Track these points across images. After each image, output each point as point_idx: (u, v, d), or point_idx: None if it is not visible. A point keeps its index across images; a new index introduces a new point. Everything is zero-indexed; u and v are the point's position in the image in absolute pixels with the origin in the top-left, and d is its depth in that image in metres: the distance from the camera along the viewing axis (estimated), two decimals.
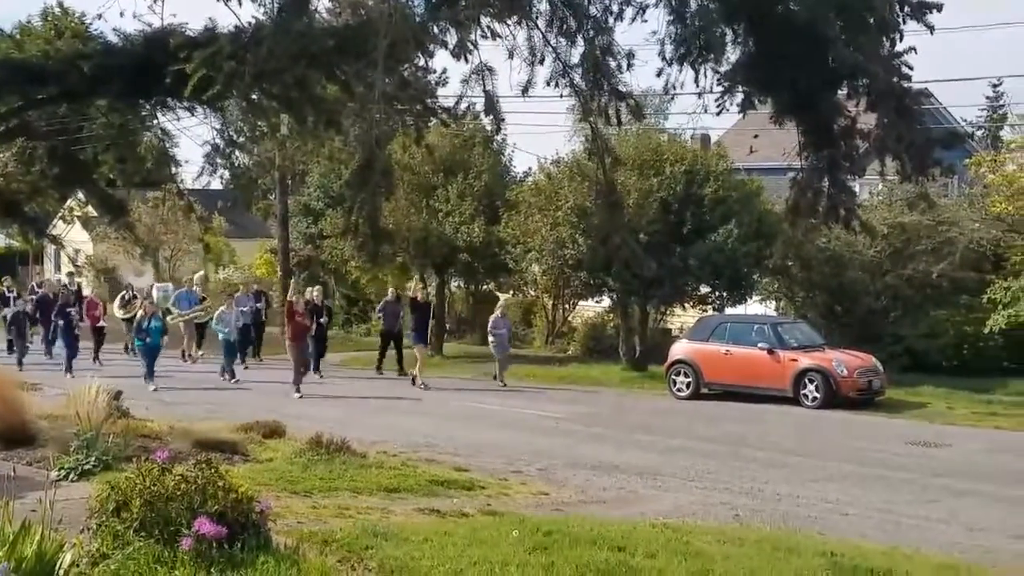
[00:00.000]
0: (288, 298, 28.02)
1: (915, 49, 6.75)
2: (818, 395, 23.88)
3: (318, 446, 14.79)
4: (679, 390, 25.55)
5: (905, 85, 6.52)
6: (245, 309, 29.03)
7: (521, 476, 15.35)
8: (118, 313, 30.68)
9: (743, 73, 6.44)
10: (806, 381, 24.13)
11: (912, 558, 10.99)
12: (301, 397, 23.10)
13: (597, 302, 33.06)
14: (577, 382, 26.78)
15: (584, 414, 22.19)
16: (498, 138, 34.79)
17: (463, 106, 6.60)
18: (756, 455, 17.96)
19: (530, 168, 41.34)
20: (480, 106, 6.98)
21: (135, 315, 31.16)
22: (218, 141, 7.54)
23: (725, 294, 29.73)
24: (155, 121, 7.38)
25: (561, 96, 6.71)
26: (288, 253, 39.07)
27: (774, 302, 31.69)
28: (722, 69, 6.60)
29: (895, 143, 6.62)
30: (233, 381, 25.58)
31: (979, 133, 47.64)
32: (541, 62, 6.56)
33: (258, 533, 8.60)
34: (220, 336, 26.65)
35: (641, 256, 27.14)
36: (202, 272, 33.43)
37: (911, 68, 6.60)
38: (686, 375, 25.63)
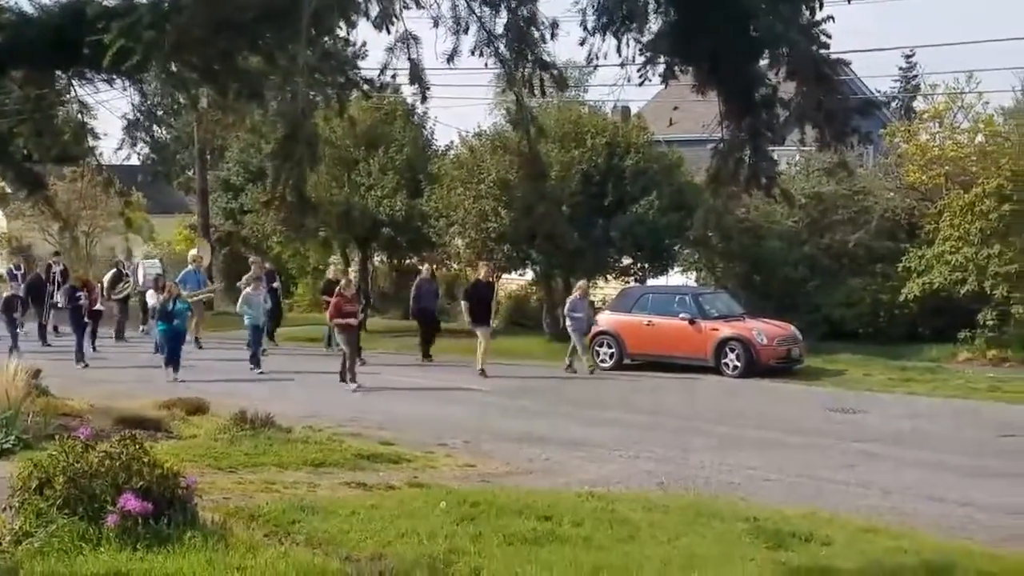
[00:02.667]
0: (330, 279, 26.86)
1: (833, 18, 6.84)
2: (739, 364, 24.19)
3: (243, 422, 14.73)
4: (602, 361, 25.72)
5: (824, 54, 6.60)
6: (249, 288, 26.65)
7: (447, 449, 15.40)
8: (109, 295, 28.59)
9: (665, 43, 6.48)
10: (727, 350, 24.43)
11: (832, 521, 11.22)
12: (358, 389, 21.21)
13: (520, 275, 33.13)
14: (501, 355, 26.84)
15: (509, 387, 22.27)
16: (419, 111, 34.72)
17: (388, 76, 6.57)
18: (679, 424, 18.17)
19: (452, 141, 41.15)
20: (402, 78, 6.97)
21: (127, 295, 29.52)
22: (138, 114, 7.43)
23: (647, 265, 29.95)
24: (73, 93, 7.25)
25: (486, 66, 6.72)
26: (208, 229, 38.65)
27: (695, 273, 31.99)
28: (644, 39, 6.63)
29: (814, 111, 6.70)
30: (258, 372, 23.25)
31: (893, 103, 48.34)
32: (466, 31, 6.55)
33: (184, 509, 8.58)
34: (247, 320, 24.05)
35: (565, 225, 27.31)
36: (195, 250, 31.62)
37: (829, 37, 6.68)
38: (609, 346, 25.82)
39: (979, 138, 29.24)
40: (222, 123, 37.07)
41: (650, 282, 30.07)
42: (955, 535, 11.14)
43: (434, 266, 31.12)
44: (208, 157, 40.28)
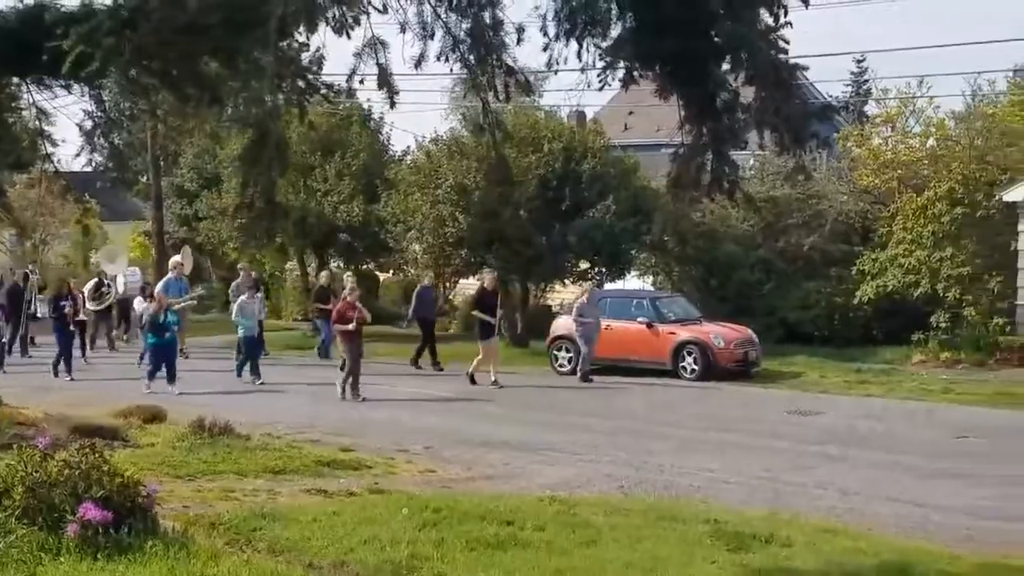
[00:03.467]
0: (323, 286, 26.75)
1: (791, 23, 6.91)
2: (696, 367, 24.32)
3: (200, 430, 14.64)
4: (561, 366, 25.75)
5: (782, 59, 6.68)
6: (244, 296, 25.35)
7: (408, 455, 15.36)
8: (90, 304, 27.40)
9: (627, 48, 6.52)
10: (684, 354, 24.54)
11: (791, 522, 11.30)
12: (364, 399, 20.56)
13: (478, 280, 33.12)
14: (460, 360, 26.80)
15: (468, 392, 22.26)
16: (376, 116, 34.71)
17: (356, 81, 6.57)
18: (638, 428, 18.23)
19: (408, 147, 41.08)
20: (369, 83, 6.96)
21: (109, 305, 28.38)
22: (95, 120, 7.38)
23: (604, 270, 30.04)
24: (31, 100, 7.19)
25: (451, 71, 6.72)
26: (163, 235, 38.42)
27: (652, 277, 32.13)
28: (605, 44, 6.67)
29: (773, 116, 6.78)
30: (259, 383, 22.34)
31: (846, 109, 48.73)
32: (432, 37, 6.57)
33: (145, 517, 8.52)
34: (241, 331, 23.09)
35: (529, 228, 27.22)
36: (177, 257, 30.25)
37: (787, 42, 6.76)
38: (567, 351, 25.83)
39: (931, 142, 29.61)
40: (178, 129, 36.83)
41: (607, 286, 30.15)
42: (913, 535, 11.25)
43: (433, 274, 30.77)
44: (162, 163, 40.02)
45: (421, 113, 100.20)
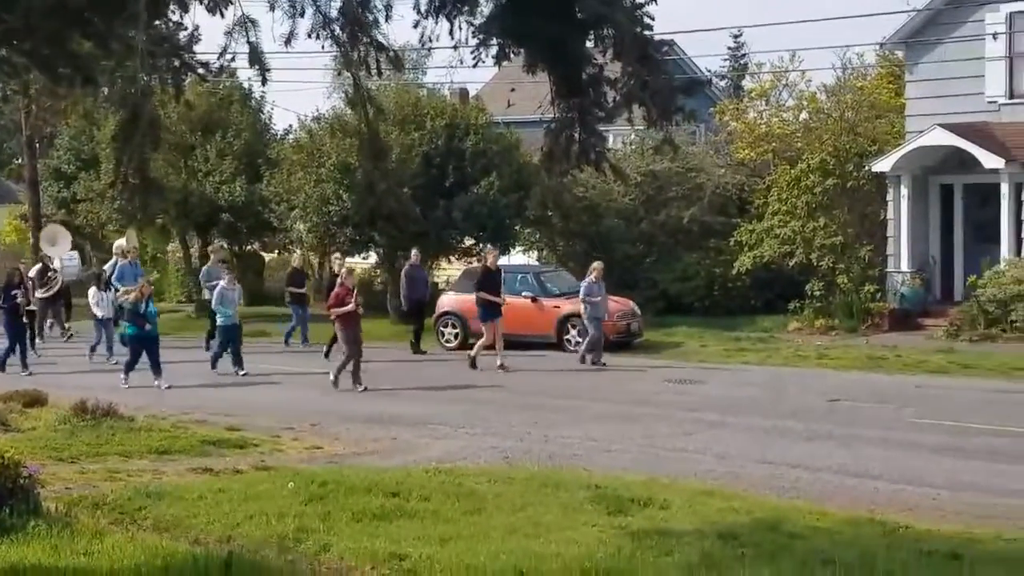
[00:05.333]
0: (297, 268, 26.19)
1: (656, 0, 7.14)
2: (581, 340, 24.66)
3: (83, 412, 14.53)
4: (447, 341, 25.92)
5: (648, 35, 6.90)
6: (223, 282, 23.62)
7: (294, 432, 15.43)
8: (38, 292, 25.40)
9: (497, 25, 6.68)
10: (569, 327, 24.88)
11: (670, 486, 11.65)
12: (365, 389, 19.37)
13: (364, 258, 33.13)
14: (369, 339, 26.80)
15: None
16: (256, 95, 34.41)
17: (227, 58, 6.63)
18: (523, 400, 18.49)
19: (291, 125, 40.79)
20: (241, 61, 7.03)
21: (55, 293, 26.44)
22: None
23: (489, 245, 30.23)
24: None
25: (323, 48, 6.83)
26: (40, 219, 37.61)
27: (536, 252, 32.45)
28: (476, 21, 6.83)
29: (640, 91, 7.00)
30: (241, 373, 21.11)
31: (723, 82, 49.63)
32: (302, 14, 6.65)
33: (27, 498, 8.52)
34: (220, 319, 21.71)
35: (407, 203, 27.15)
36: (121, 241, 29.00)
37: (653, 18, 6.99)
38: (454, 326, 26.02)
39: (803, 115, 30.37)
40: (51, 110, 36.10)
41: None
42: (785, 495, 11.68)
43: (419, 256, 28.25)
44: (37, 145, 39.16)
45: (304, 92, 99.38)
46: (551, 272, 27.81)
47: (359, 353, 19.78)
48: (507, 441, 14.82)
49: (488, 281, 22.91)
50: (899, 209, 26.95)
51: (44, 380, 19.20)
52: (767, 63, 33.36)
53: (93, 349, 22.95)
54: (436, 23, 6.68)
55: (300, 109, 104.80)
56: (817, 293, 27.19)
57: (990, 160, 25.09)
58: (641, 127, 8.66)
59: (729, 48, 60.32)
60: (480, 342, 22.57)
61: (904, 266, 26.80)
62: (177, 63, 6.89)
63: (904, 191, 26.76)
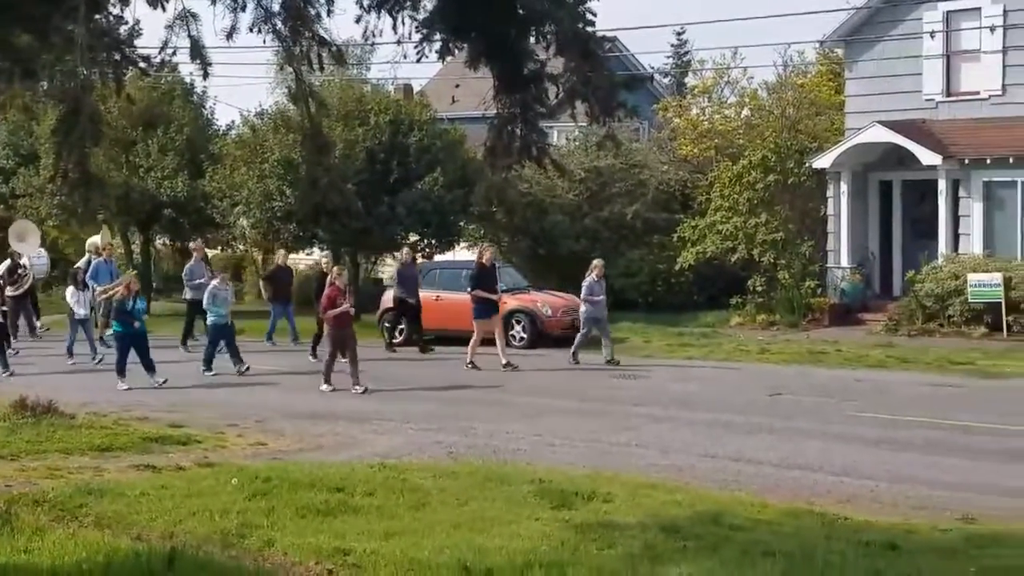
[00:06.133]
0: (280, 265, 25.78)
1: None
2: (525, 335, 24.78)
3: (23, 409, 14.38)
4: (394, 338, 25.88)
5: (590, 31, 6.95)
6: (202, 281, 23.59)
7: (238, 429, 15.37)
8: (9, 290, 24.21)
9: (439, 19, 6.71)
10: (513, 322, 24.94)
11: (614, 480, 11.73)
12: (333, 390, 18.94)
13: (308, 254, 33.01)
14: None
15: (300, 366, 22.23)
16: (199, 90, 34.16)
17: (169, 52, 6.60)
18: (468, 396, 18.54)
19: (233, 121, 40.42)
20: (182, 55, 7.00)
21: (26, 290, 25.91)
22: None
23: (434, 241, 30.25)
24: None
25: (265, 43, 6.82)
26: None
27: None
28: (419, 16, 6.86)
29: (582, 86, 7.06)
30: (211, 374, 20.63)
31: (666, 80, 49.91)
32: (244, 9, 6.64)
33: None
34: (211, 318, 21.05)
35: (351, 199, 27.00)
36: (96, 238, 28.44)
37: (595, 15, 7.04)
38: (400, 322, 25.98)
39: (745, 112, 30.68)
40: None
41: (437, 258, 30.38)
42: (727, 487, 11.79)
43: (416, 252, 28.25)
44: None
45: (247, 87, 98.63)
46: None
47: (355, 353, 19.25)
48: (452, 436, 14.83)
49: (483, 278, 22.23)
50: (839, 205, 27.28)
51: (32, 381, 18.83)
52: (710, 60, 33.54)
53: (70, 350, 22.26)
54: (379, 18, 6.70)
55: (243, 104, 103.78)
56: (759, 289, 27.46)
57: (928, 157, 25.46)
58: (584, 123, 8.72)
59: (672, 45, 60.49)
60: (472, 342, 21.79)
61: (844, 262, 27.13)
62: (118, 57, 6.85)
63: (844, 187, 27.09)
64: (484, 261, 22.60)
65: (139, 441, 13.78)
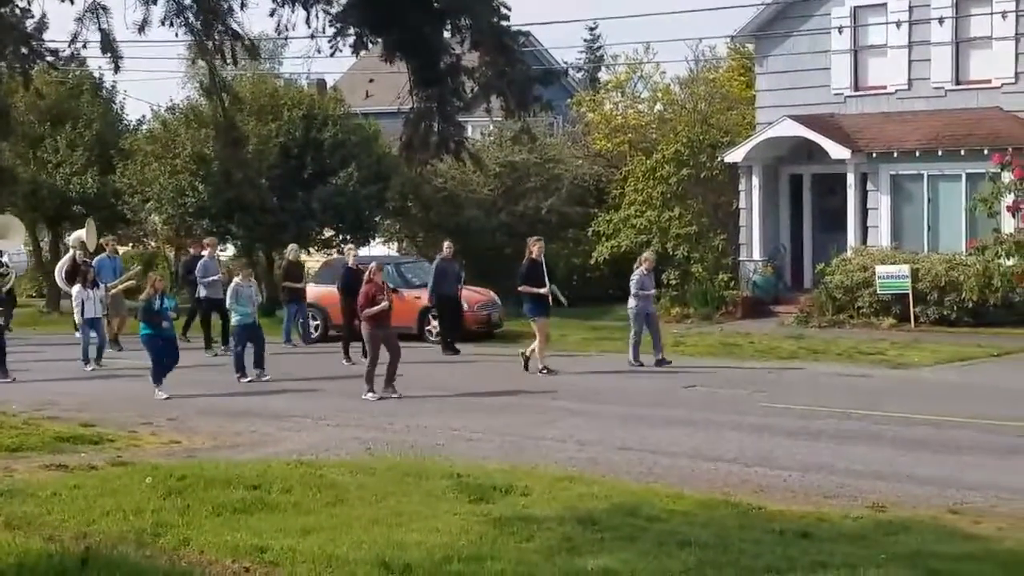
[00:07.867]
0: (292, 261, 24.42)
1: None
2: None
3: None
4: (309, 333, 25.71)
5: (505, 25, 6.98)
6: (216, 278, 22.99)
7: (152, 427, 15.19)
8: None
9: (354, 13, 6.69)
10: (430, 318, 24.91)
11: (531, 473, 11.77)
12: (380, 398, 17.56)
13: (222, 250, 32.64)
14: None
15: (213, 362, 22.02)
16: (108, 85, 33.69)
17: (78, 46, 6.50)
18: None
19: (144, 116, 39.90)
20: (92, 49, 6.89)
21: (8, 287, 24.97)
22: None
23: (349, 237, 30.13)
24: None
25: (177, 36, 6.75)
26: None
27: (396, 243, 32.42)
28: (333, 10, 6.83)
29: (497, 80, 7.08)
30: (246, 380, 19.47)
31: (579, 74, 50.18)
32: (155, 1, 6.56)
33: None
34: (235, 318, 19.85)
35: (265, 194, 26.66)
36: (80, 233, 27.30)
37: (509, 9, 7.07)
38: (314, 318, 25.83)
39: (658, 107, 30.96)
40: None
41: (363, 252, 30.26)
42: (643, 479, 11.89)
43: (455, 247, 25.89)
44: None
45: (158, 81, 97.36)
46: (412, 263, 27.83)
47: (396, 354, 18.05)
48: (369, 432, 14.79)
49: (532, 273, 20.14)
50: (751, 199, 27.64)
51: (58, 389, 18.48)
52: (622, 55, 33.82)
53: (86, 357, 21.00)
54: (293, 11, 6.67)
55: (153, 99, 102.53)
56: (673, 282, 27.72)
57: (837, 151, 25.90)
58: (499, 118, 8.74)
59: (585, 40, 60.92)
60: (535, 344, 20.09)
61: (756, 255, 27.49)
62: (25, 50, 6.73)
63: (755, 181, 27.44)
64: (533, 255, 20.34)
65: (50, 441, 13.55)
